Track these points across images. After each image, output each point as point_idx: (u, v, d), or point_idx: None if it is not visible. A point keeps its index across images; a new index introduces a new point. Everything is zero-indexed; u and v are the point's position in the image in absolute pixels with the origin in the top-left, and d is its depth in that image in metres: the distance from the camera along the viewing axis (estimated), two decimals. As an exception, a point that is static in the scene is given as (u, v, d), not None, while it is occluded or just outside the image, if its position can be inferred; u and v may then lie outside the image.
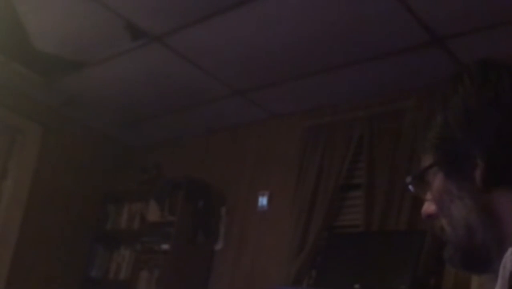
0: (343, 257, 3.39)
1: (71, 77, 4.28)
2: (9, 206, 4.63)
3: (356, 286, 3.10)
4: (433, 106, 0.87)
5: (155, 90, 4.27)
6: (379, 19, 3.03)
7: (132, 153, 5.31)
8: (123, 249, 4.80)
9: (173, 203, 4.36)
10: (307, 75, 3.72)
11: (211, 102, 4.32)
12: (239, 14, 3.19)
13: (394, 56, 3.33)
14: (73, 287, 4.85)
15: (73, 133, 5.00)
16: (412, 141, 3.24)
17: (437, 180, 0.87)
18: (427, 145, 0.87)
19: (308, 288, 3.49)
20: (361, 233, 3.46)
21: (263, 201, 4.17)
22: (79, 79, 4.28)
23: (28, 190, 4.70)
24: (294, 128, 4.12)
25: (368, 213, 3.43)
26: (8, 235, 4.58)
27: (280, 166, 4.16)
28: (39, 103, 4.73)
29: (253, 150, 4.42)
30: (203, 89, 4.14)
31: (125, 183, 5.05)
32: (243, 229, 4.23)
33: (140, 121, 4.90)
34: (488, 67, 0.85)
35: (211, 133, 4.74)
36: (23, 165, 4.72)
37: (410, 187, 0.92)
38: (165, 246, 4.28)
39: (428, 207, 0.89)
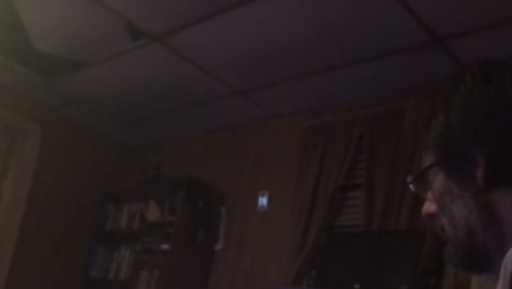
0: (343, 257, 3.38)
1: (71, 77, 4.27)
2: (9, 206, 4.63)
3: (356, 286, 3.10)
4: (435, 106, 0.87)
5: (155, 90, 4.27)
6: (379, 19, 3.03)
7: (132, 153, 5.31)
8: (123, 249, 4.80)
9: (173, 203, 4.35)
10: (307, 75, 3.71)
11: (211, 102, 4.32)
12: (239, 14, 3.19)
13: (394, 56, 3.32)
14: (73, 287, 4.85)
15: (73, 133, 5.00)
16: (412, 141, 3.24)
17: (438, 180, 0.87)
18: (428, 144, 0.87)
19: (308, 288, 3.49)
20: (361, 233, 3.46)
21: (263, 201, 4.17)
22: (79, 79, 4.28)
23: (28, 190, 4.70)
24: (294, 128, 4.12)
25: (368, 213, 3.42)
26: (8, 235, 4.58)
27: (280, 166, 4.16)
28: (39, 103, 4.73)
29: (253, 150, 4.42)
30: (203, 89, 4.14)
31: (125, 183, 5.05)
32: (243, 229, 4.23)
33: (140, 121, 4.90)
34: (490, 67, 0.85)
35: (211, 133, 4.74)
36: (23, 165, 4.72)
37: (411, 186, 0.92)
38: (165, 246, 4.28)
39: (429, 207, 0.89)
